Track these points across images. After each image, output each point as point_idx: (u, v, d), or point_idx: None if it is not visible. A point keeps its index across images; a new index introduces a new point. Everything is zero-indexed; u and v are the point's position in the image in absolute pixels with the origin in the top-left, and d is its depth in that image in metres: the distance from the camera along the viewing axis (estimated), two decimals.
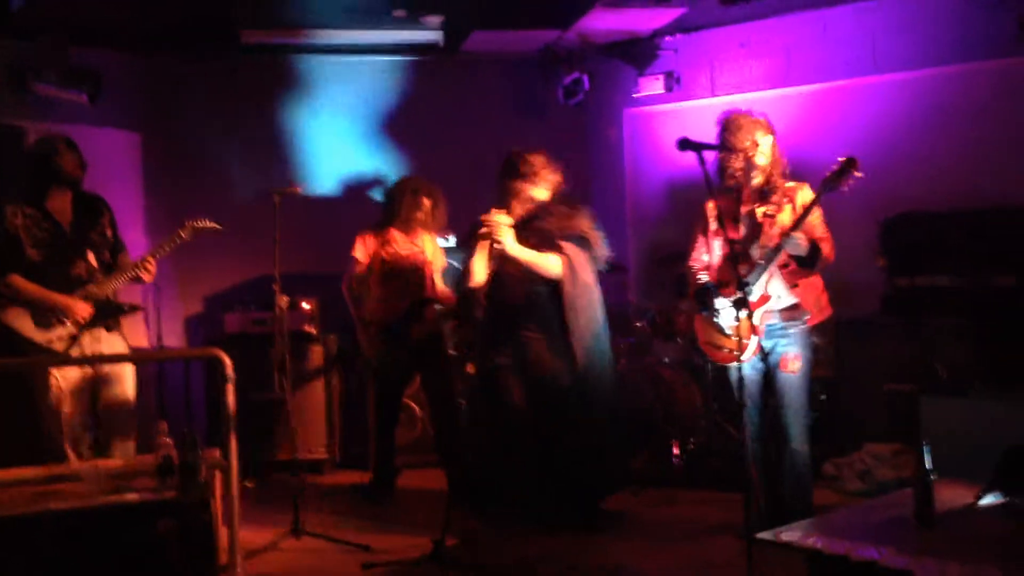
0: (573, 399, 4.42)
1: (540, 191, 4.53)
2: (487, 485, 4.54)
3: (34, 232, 4.40)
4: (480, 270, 4.50)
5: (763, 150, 4.13)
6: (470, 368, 4.22)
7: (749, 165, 4.13)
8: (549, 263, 4.40)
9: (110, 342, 4.53)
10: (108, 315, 4.54)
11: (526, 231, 4.48)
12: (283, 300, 4.69)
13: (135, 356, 5.11)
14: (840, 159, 3.93)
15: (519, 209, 4.52)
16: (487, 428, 4.53)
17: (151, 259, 4.57)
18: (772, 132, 4.17)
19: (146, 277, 4.56)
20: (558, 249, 4.44)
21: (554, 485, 4.40)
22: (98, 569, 3.70)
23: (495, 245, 4.36)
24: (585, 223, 4.55)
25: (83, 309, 4.42)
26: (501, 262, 4.44)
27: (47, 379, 4.38)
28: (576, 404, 4.43)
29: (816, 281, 4.19)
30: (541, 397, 4.42)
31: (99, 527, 3.71)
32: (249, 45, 6.20)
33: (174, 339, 6.33)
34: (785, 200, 4.11)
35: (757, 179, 4.16)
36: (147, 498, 3.80)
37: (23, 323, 4.36)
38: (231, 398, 4.03)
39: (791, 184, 4.16)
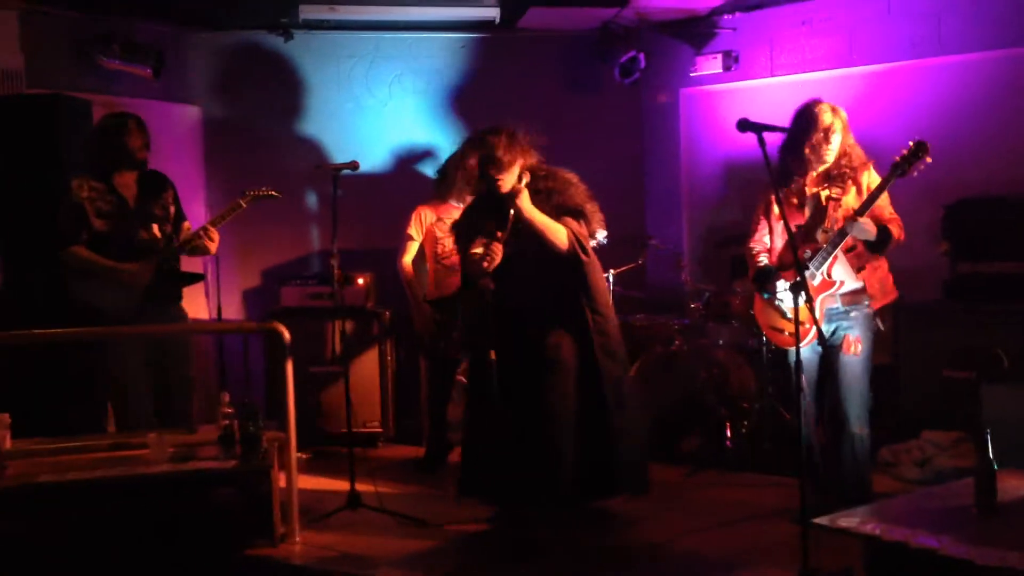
0: (591, 386, 4.15)
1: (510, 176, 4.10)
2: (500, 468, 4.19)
3: (99, 204, 4.48)
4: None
5: (833, 142, 4.06)
6: (491, 354, 4.14)
7: (817, 155, 4.08)
8: (559, 232, 4.11)
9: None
10: (172, 285, 4.63)
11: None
12: (339, 275, 4.74)
13: (196, 327, 5.21)
14: (911, 143, 3.87)
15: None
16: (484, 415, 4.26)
17: (212, 229, 4.64)
18: (845, 126, 4.10)
19: (210, 247, 4.63)
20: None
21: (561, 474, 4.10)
22: (160, 534, 3.81)
23: (511, 210, 4.05)
24: (581, 195, 4.27)
25: (147, 278, 4.50)
26: (516, 232, 4.10)
27: (115, 348, 4.48)
28: (601, 394, 4.17)
29: (882, 263, 4.14)
30: (551, 382, 4.12)
31: (162, 494, 3.82)
32: (307, 20, 6.25)
33: (232, 311, 6.43)
34: (850, 183, 4.06)
35: (824, 166, 4.12)
36: (209, 467, 3.90)
37: (91, 293, 4.47)
38: (290, 371, 4.11)
39: (858, 164, 4.08)
